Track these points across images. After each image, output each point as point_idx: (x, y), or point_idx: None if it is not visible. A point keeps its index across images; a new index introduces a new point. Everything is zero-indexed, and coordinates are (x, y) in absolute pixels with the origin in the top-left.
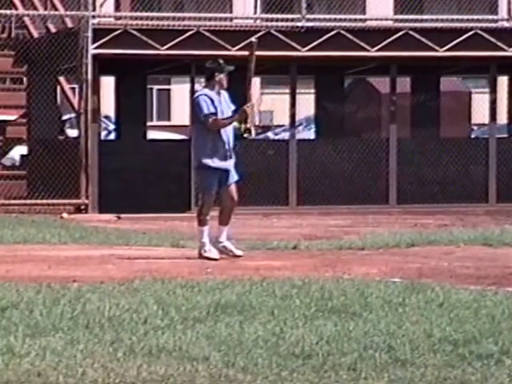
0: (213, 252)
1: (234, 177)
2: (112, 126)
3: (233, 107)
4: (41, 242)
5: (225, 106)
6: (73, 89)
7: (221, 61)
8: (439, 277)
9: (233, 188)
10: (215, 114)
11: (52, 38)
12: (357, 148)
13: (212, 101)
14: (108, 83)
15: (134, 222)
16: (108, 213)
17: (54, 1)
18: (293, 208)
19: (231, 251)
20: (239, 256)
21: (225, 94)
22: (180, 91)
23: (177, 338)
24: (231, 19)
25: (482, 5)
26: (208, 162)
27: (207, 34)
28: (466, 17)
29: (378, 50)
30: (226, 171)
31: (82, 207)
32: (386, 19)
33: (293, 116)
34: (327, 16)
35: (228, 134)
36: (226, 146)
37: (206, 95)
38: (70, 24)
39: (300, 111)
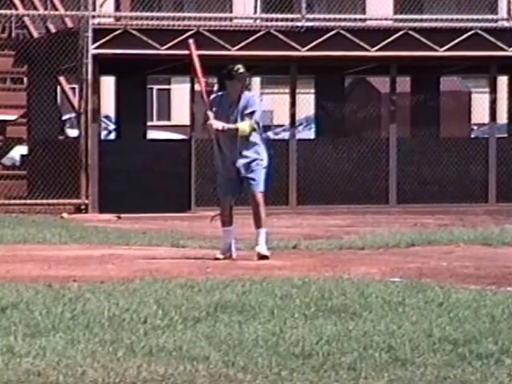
0: (218, 253)
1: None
2: (112, 126)
3: (250, 109)
4: (41, 241)
5: (234, 109)
6: (73, 89)
7: (234, 67)
8: (439, 276)
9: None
10: (209, 117)
11: (52, 38)
12: (357, 148)
13: (217, 102)
14: (108, 83)
15: (133, 221)
16: (108, 213)
17: (54, 1)
18: (293, 208)
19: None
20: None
21: (241, 99)
22: (180, 91)
23: (177, 338)
24: (231, 19)
25: (482, 5)
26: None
27: (207, 33)
28: (465, 17)
29: (378, 50)
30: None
31: (82, 207)
32: (386, 19)
33: (293, 116)
34: (327, 16)
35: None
36: (229, 153)
37: (215, 96)
38: (70, 24)
39: (300, 111)
